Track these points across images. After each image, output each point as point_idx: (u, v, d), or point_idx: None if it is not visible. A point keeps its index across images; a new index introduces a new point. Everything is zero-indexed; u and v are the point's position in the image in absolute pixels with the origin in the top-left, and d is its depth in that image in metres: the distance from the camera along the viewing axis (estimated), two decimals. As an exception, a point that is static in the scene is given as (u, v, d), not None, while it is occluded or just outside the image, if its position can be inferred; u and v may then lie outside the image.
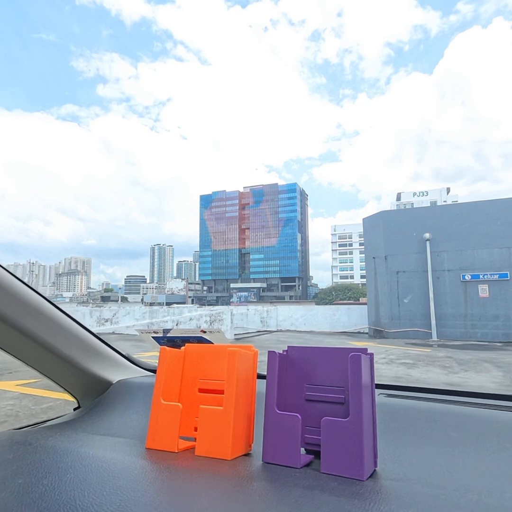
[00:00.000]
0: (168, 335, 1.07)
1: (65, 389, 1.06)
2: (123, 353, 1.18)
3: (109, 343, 1.12)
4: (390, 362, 8.21)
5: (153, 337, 1.10)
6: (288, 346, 0.68)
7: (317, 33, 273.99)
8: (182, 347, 0.76)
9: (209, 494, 0.47)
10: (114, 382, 1.05)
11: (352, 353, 0.58)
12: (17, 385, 5.28)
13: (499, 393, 0.85)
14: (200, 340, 1.04)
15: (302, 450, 0.63)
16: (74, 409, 1.09)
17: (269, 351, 0.64)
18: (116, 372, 1.09)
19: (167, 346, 1.09)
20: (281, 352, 0.67)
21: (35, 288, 0.93)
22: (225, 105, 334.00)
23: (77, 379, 1.02)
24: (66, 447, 0.64)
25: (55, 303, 0.97)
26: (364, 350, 0.60)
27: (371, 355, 0.62)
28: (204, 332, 1.03)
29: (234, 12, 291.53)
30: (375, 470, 0.58)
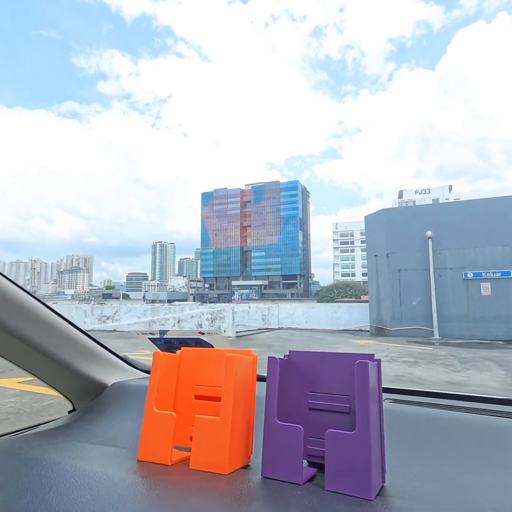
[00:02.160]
0: (164, 336, 1.03)
1: (59, 392, 1.03)
2: (120, 354, 1.15)
3: (104, 344, 1.08)
4: (392, 360, 8.17)
5: (149, 338, 1.06)
6: (290, 351, 0.64)
7: (319, 29, 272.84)
8: (178, 351, 0.72)
9: None
10: (109, 385, 1.02)
11: (359, 361, 0.53)
12: (19, 382, 5.27)
13: None
14: (198, 341, 1.00)
15: (305, 462, 0.59)
16: (69, 412, 1.05)
17: (269, 357, 0.59)
18: (112, 374, 1.05)
19: (164, 348, 1.05)
20: (282, 357, 0.63)
21: (26, 289, 0.90)
22: (226, 102, 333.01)
23: (71, 381, 0.99)
24: (53, 459, 0.60)
25: (48, 304, 0.94)
26: (370, 356, 0.56)
27: (378, 361, 0.58)
28: (202, 333, 0.99)
29: (235, 8, 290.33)
30: (383, 486, 0.54)
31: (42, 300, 0.92)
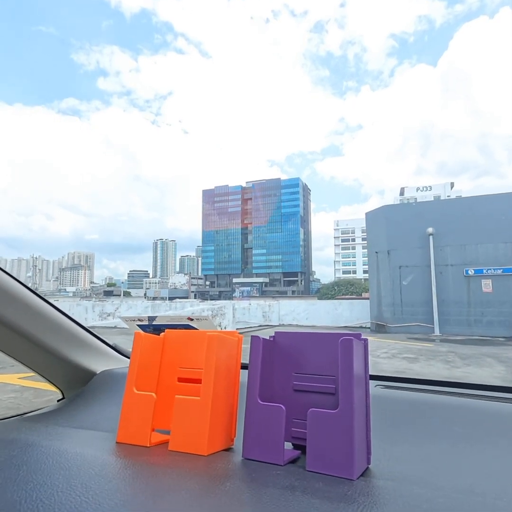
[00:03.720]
0: (153, 323, 1.02)
1: (47, 380, 1.02)
2: (110, 342, 1.13)
3: (94, 332, 1.07)
4: (392, 357, 8.18)
5: (138, 325, 1.04)
6: (275, 332, 0.62)
7: (320, 25, 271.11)
8: (162, 333, 0.70)
9: (177, 494, 0.41)
10: (97, 373, 1.01)
11: (343, 338, 0.51)
12: (19, 378, 5.28)
13: (505, 385, 0.79)
14: (187, 328, 0.98)
15: (290, 445, 0.57)
16: (58, 401, 1.04)
17: (252, 336, 0.58)
18: (101, 362, 1.04)
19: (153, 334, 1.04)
20: (267, 338, 0.61)
21: (14, 276, 0.88)
22: (226, 99, 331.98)
23: (60, 369, 0.97)
24: (28, 440, 0.58)
25: (34, 290, 0.92)
26: (357, 335, 0.54)
27: (365, 340, 0.56)
28: (191, 319, 0.98)
29: (235, 3, 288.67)
30: (368, 468, 0.52)
31: (28, 286, 0.90)
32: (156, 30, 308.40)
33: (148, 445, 0.57)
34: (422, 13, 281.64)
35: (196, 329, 0.95)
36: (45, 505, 0.39)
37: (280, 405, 0.53)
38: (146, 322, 1.02)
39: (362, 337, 0.56)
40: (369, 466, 0.52)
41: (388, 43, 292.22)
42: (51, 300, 0.96)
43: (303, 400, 0.57)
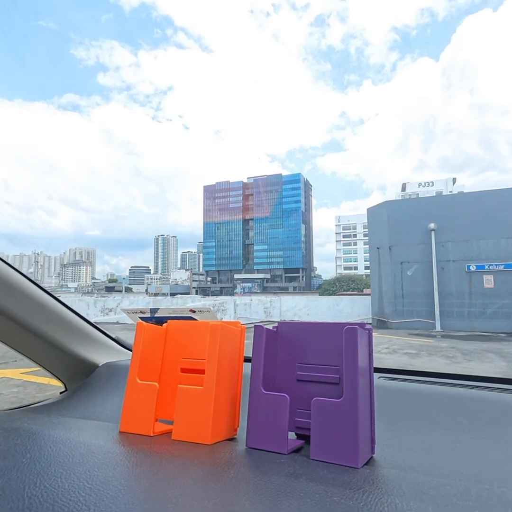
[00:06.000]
0: (156, 315, 1.02)
1: (50, 372, 1.02)
2: (112, 335, 1.14)
3: (96, 325, 1.07)
4: (393, 352, 8.20)
5: (140, 317, 1.04)
6: (279, 322, 0.62)
7: (321, 18, 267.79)
8: (164, 324, 0.70)
9: (180, 481, 0.42)
10: (100, 365, 1.01)
11: (347, 326, 0.51)
12: (22, 373, 5.31)
13: (505, 377, 0.79)
14: (189, 319, 0.98)
15: (293, 434, 0.57)
16: (61, 393, 1.05)
17: (255, 326, 0.57)
18: (103, 355, 1.05)
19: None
20: (271, 328, 0.61)
21: (16, 267, 0.88)
22: (227, 94, 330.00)
23: (63, 362, 0.98)
24: (32, 429, 0.59)
25: (37, 283, 0.92)
26: (361, 325, 0.54)
27: (369, 330, 0.55)
28: (194, 311, 0.98)
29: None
30: (372, 457, 0.52)
31: (31, 278, 0.90)
32: (156, 25, 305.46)
33: (151, 435, 0.57)
34: (425, 6, 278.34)
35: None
36: (48, 491, 0.39)
37: (284, 394, 0.53)
38: (148, 314, 1.01)
39: (366, 326, 0.55)
40: (373, 455, 0.52)
41: (390, 36, 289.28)
42: None
43: (306, 390, 0.57)
